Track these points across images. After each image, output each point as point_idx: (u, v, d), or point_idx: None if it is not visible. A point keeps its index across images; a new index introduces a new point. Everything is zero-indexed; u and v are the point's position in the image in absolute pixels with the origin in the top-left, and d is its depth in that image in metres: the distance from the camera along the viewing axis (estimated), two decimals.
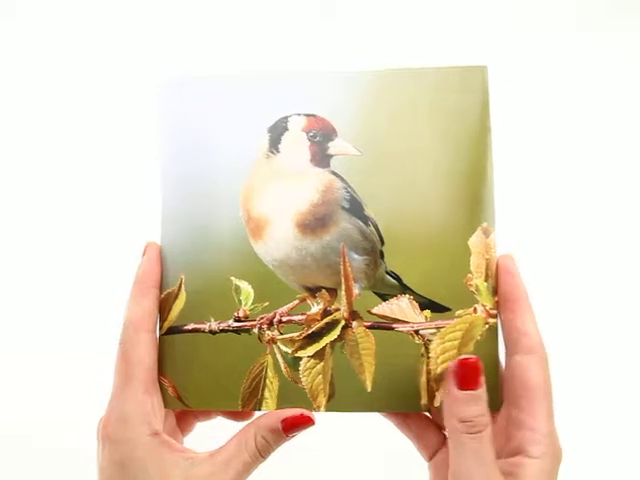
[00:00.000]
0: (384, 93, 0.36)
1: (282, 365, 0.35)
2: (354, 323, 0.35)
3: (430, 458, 0.37)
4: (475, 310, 0.34)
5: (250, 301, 0.36)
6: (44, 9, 0.70)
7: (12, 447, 0.61)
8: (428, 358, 0.34)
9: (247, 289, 0.36)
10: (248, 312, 0.36)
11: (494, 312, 0.34)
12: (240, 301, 0.36)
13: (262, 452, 0.33)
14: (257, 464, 0.34)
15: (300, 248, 0.35)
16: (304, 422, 0.33)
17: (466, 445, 0.30)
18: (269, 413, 0.34)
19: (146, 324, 0.35)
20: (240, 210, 0.36)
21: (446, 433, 0.33)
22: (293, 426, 0.33)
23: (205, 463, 0.33)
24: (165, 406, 0.35)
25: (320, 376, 0.35)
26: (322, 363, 0.35)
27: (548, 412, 0.32)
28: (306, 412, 0.33)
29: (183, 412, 0.38)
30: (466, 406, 0.30)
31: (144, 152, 0.55)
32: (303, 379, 0.35)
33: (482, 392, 0.31)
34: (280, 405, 0.35)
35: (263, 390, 0.35)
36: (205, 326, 0.36)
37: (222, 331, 0.36)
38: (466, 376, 0.31)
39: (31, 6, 0.70)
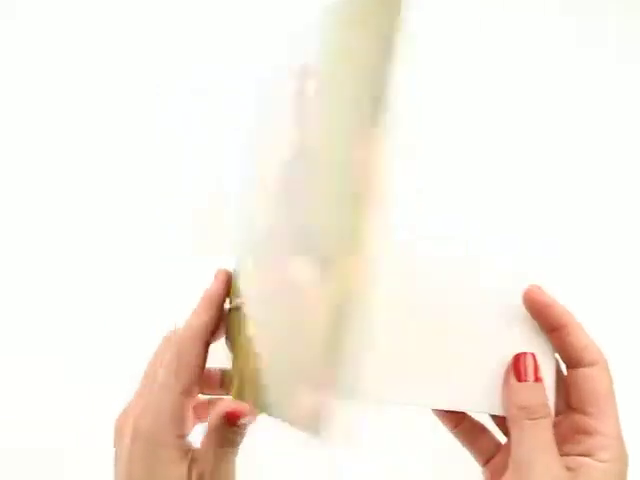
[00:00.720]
0: None
1: None
2: None
3: (485, 463, 0.37)
4: None
5: None
6: (47, 10, 0.71)
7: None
8: None
9: None
10: None
11: None
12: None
13: (225, 443, 0.34)
14: (230, 453, 0.35)
15: None
16: (237, 417, 0.34)
17: (526, 431, 0.31)
18: (222, 402, 0.35)
19: (205, 335, 0.36)
20: None
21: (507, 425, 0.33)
22: (233, 420, 0.34)
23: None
24: None
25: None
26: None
27: (617, 416, 0.32)
28: (238, 408, 0.34)
29: None
30: (524, 394, 0.32)
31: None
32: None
33: (540, 385, 0.33)
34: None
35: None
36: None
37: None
38: (524, 369, 0.33)
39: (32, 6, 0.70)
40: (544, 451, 0.31)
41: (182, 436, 0.34)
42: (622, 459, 0.32)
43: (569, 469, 0.31)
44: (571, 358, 0.33)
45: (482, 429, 0.38)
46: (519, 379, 0.33)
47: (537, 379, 0.33)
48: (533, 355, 0.33)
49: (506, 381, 0.33)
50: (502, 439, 0.37)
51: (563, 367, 0.34)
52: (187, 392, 0.34)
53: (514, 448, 0.32)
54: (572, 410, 0.33)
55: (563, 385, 0.34)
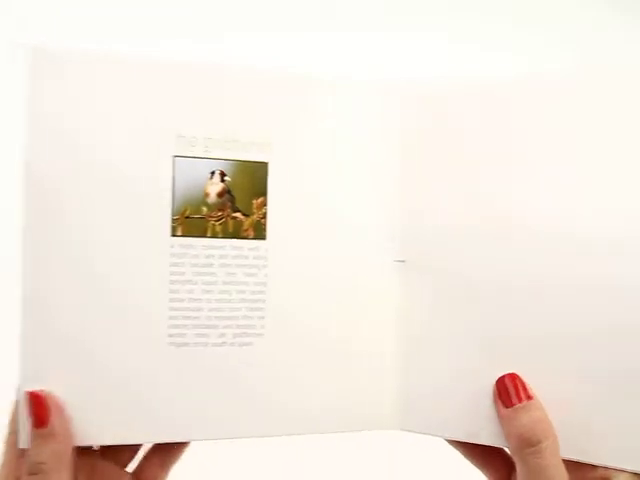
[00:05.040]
0: None
1: None
2: None
3: None
4: None
5: None
6: None
7: None
8: None
9: None
10: None
11: None
12: None
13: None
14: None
15: None
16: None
17: (529, 463, 0.28)
18: None
19: None
20: None
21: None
22: None
23: None
24: None
25: None
26: None
27: None
28: None
29: None
30: (518, 420, 0.29)
31: None
32: None
33: (533, 403, 0.29)
34: None
35: None
36: None
37: None
38: (507, 392, 0.30)
39: None
40: None
41: None
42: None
43: None
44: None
45: (496, 448, 0.33)
46: (507, 404, 0.30)
47: (529, 397, 0.30)
48: (514, 375, 0.30)
49: (497, 411, 0.30)
50: None
51: None
52: None
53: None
54: None
55: None
